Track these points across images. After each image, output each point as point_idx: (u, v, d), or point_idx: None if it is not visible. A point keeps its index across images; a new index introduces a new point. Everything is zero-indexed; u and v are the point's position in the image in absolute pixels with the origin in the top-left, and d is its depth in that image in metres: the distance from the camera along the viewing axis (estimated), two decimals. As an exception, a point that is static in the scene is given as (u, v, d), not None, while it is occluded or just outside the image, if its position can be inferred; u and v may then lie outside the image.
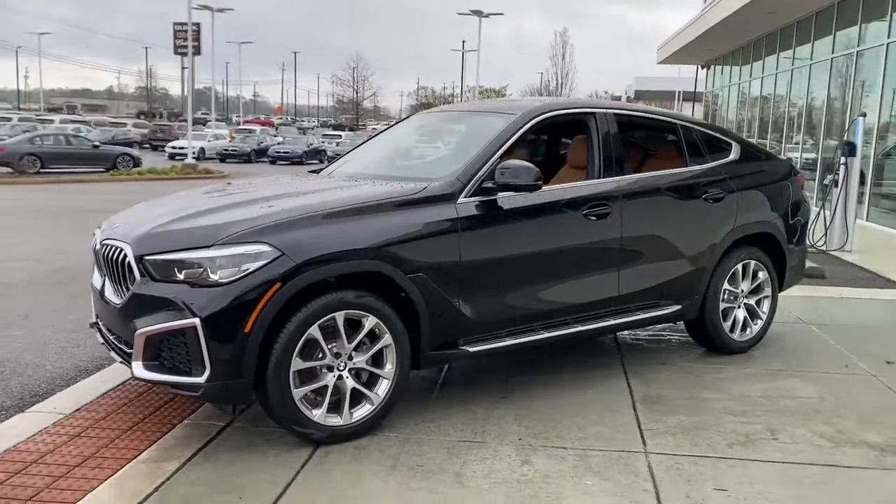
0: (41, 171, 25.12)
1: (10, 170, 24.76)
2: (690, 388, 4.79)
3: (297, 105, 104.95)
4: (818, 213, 10.92)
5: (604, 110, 4.96)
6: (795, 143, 19.10)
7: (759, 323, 5.62)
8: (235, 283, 3.55)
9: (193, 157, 33.09)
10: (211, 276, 3.57)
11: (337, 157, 7.57)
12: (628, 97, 69.97)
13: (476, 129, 4.77)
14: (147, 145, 43.32)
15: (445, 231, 4.09)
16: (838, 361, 5.46)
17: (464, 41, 45.76)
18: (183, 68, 74.53)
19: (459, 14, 41.94)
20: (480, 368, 5.14)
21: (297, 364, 3.68)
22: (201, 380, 3.56)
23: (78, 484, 3.39)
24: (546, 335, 4.58)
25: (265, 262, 3.59)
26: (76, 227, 11.95)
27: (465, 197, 4.22)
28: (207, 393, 3.62)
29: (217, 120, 70.68)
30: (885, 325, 6.79)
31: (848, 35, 15.92)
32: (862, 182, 11.64)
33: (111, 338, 4.08)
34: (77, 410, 4.25)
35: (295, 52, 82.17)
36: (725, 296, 5.44)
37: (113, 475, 3.49)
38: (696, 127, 5.45)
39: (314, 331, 3.71)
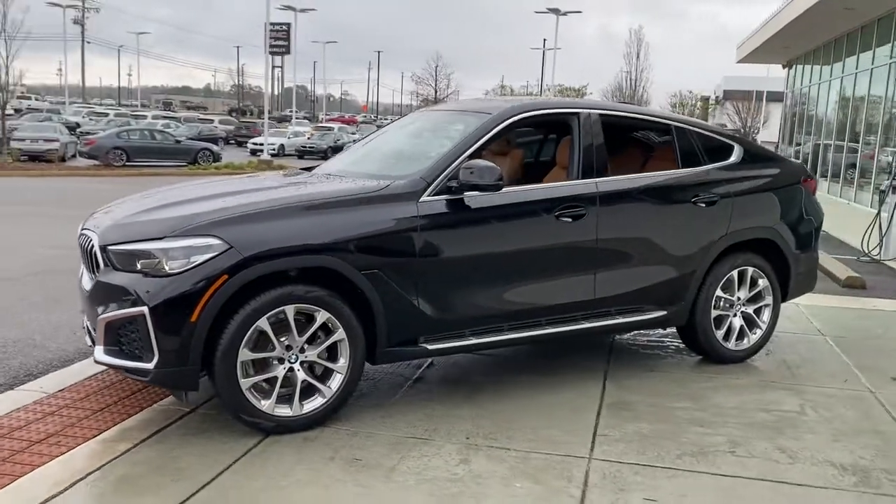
0: (126, 164, 26.37)
1: (98, 162, 26.11)
2: (665, 397, 4.68)
3: (380, 103, 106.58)
4: (874, 221, 10.39)
5: (588, 111, 4.89)
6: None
7: (758, 332, 5.42)
8: (184, 273, 3.70)
9: (272, 154, 34.14)
10: (164, 266, 3.72)
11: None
12: (716, 97, 67.90)
13: (453, 129, 4.79)
14: (232, 141, 44.85)
15: (404, 229, 4.14)
16: (840, 376, 5.22)
17: (545, 39, 45.42)
18: (273, 67, 76.97)
19: (536, 12, 41.70)
20: (460, 367, 5.16)
21: (244, 355, 3.80)
22: (150, 366, 3.73)
23: (31, 459, 3.61)
24: (514, 336, 4.56)
25: (214, 254, 3.72)
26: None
27: (429, 196, 4.24)
28: (156, 378, 3.78)
29: (304, 118, 72.55)
30: (912, 341, 6.44)
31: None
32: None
33: (87, 324, 4.30)
34: (60, 391, 4.50)
35: (378, 52, 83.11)
36: (721, 303, 5.28)
37: (66, 452, 3.69)
38: (692, 129, 5.30)
39: (263, 323, 3.82)
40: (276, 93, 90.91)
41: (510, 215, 4.49)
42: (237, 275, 3.73)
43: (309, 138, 41.28)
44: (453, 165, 4.32)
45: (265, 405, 3.89)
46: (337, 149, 39.50)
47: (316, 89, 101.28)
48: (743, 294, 5.34)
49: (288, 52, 62.85)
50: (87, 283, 4.14)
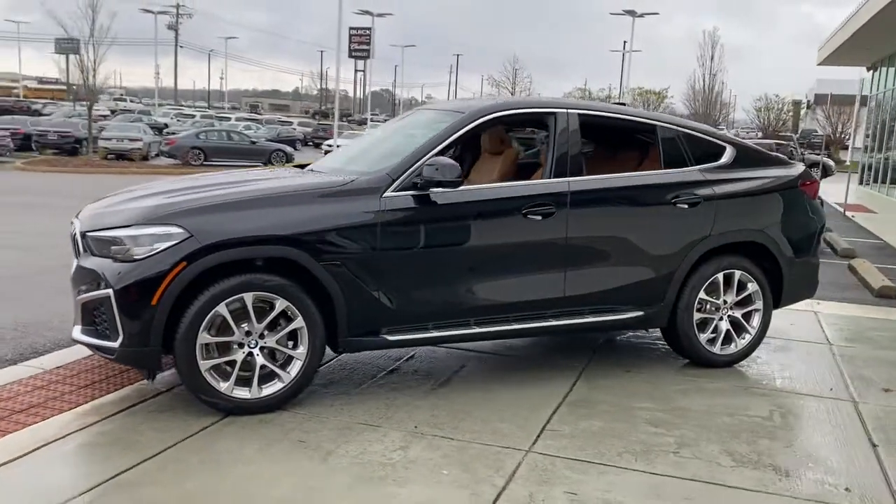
0: (204, 163, 27.48)
1: (177, 161, 27.32)
2: (632, 397, 4.66)
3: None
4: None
5: (566, 110, 4.92)
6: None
7: (747, 337, 5.32)
8: (147, 259, 3.95)
9: (344, 155, 34.84)
10: (131, 252, 3.99)
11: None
12: (807, 101, 65.44)
13: (430, 127, 4.90)
14: (310, 143, 46.04)
15: (365, 223, 4.28)
16: (828, 385, 5.07)
17: (624, 42, 44.60)
18: (356, 71, 78.41)
19: (612, 14, 41.18)
20: (437, 360, 5.27)
21: (203, 338, 4.03)
22: (115, 345, 4.00)
23: (7, 426, 3.93)
24: (479, 330, 4.65)
25: (175, 242, 3.96)
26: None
27: (394, 191, 4.38)
28: (120, 357, 4.06)
29: (385, 120, 73.62)
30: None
31: None
32: None
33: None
34: (56, 367, 4.84)
35: (457, 55, 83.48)
36: (707, 307, 5.21)
37: (40, 422, 4.00)
38: (679, 129, 5.24)
39: (222, 309, 4.04)
40: (359, 96, 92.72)
41: (476, 212, 4.58)
42: (195, 262, 3.96)
43: (382, 140, 41.83)
44: (420, 162, 4.44)
45: (223, 387, 4.10)
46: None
47: (396, 92, 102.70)
48: (730, 298, 5.25)
49: (369, 55, 64.00)
50: (73, 267, 4.46)
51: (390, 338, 4.43)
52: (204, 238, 3.98)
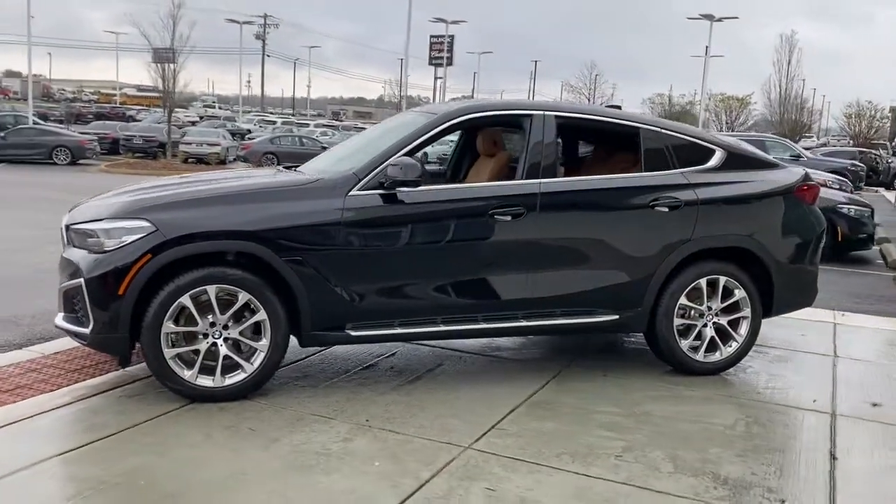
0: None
1: (251, 165, 28.29)
2: (597, 400, 4.62)
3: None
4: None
5: (542, 112, 4.92)
6: None
7: (734, 345, 5.18)
8: (115, 251, 4.19)
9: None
10: (103, 244, 4.24)
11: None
12: (892, 108, 62.50)
13: (407, 128, 4.98)
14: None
15: (328, 222, 4.41)
16: (812, 396, 4.89)
17: (707, 46, 43.45)
18: (436, 78, 79.37)
19: (689, 19, 40.18)
20: (416, 358, 5.34)
21: (168, 327, 4.23)
22: (87, 331, 4.25)
23: (-14, 403, 4.23)
24: (445, 329, 4.70)
25: (141, 235, 4.18)
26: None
27: (359, 190, 4.49)
28: (91, 342, 4.31)
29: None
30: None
31: None
32: None
33: None
34: (54, 353, 5.16)
35: (535, 61, 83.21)
36: (690, 313, 5.11)
37: (18, 401, 4.29)
38: (665, 132, 5.16)
39: (185, 300, 4.23)
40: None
41: (444, 211, 4.64)
42: (160, 254, 4.17)
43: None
44: (386, 163, 4.54)
45: (187, 374, 4.30)
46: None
47: (476, 98, 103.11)
48: (714, 304, 5.12)
49: (450, 63, 64.78)
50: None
51: (354, 333, 4.54)
52: (168, 232, 4.19)
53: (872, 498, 3.65)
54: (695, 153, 5.18)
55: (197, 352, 4.33)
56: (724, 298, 5.14)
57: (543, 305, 4.82)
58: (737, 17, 39.97)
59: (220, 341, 4.35)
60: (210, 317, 4.32)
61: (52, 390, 4.48)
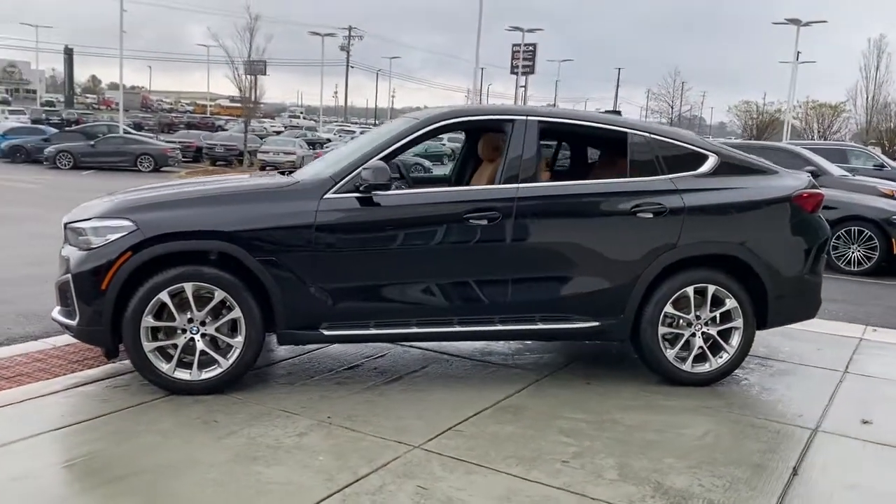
0: (348, 175, 28.99)
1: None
2: (567, 407, 4.58)
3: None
4: None
5: (524, 117, 4.93)
6: None
7: (725, 356, 5.03)
8: (99, 248, 4.44)
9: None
10: (90, 242, 4.50)
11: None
12: None
13: (388, 133, 5.07)
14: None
15: (302, 224, 4.54)
16: (800, 411, 4.70)
17: (798, 52, 41.92)
18: (518, 87, 79.30)
19: (774, 24, 38.78)
20: (403, 360, 5.41)
21: (147, 322, 4.44)
22: (75, 323, 4.51)
23: (-15, 389, 4.55)
24: (419, 331, 4.76)
25: (123, 233, 4.42)
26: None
27: (334, 193, 4.61)
28: (78, 335, 4.57)
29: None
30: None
31: None
32: None
33: None
34: (65, 345, 5.48)
35: (619, 69, 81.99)
36: (679, 322, 5.00)
37: (14, 388, 4.58)
38: (654, 137, 5.06)
39: (164, 296, 4.44)
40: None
41: (420, 215, 4.71)
42: (140, 252, 4.39)
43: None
44: (361, 167, 4.64)
45: (165, 368, 4.50)
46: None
47: (557, 106, 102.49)
48: (703, 313, 4.99)
49: (532, 71, 64.60)
50: (62, 255, 5.06)
51: (327, 333, 4.65)
52: (147, 231, 4.41)
53: (825, 516, 3.51)
54: (686, 159, 5.07)
55: (175, 346, 4.53)
56: (714, 308, 5.00)
57: (521, 310, 4.82)
58: (825, 21, 38.22)
59: (197, 337, 4.54)
60: (188, 313, 4.51)
61: (45, 379, 4.77)
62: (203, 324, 4.54)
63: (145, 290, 4.41)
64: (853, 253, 10.44)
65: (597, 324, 4.89)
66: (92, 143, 27.95)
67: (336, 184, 4.64)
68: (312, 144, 38.68)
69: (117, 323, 4.45)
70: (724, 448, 4.08)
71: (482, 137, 5.66)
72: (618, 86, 77.12)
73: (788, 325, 6.24)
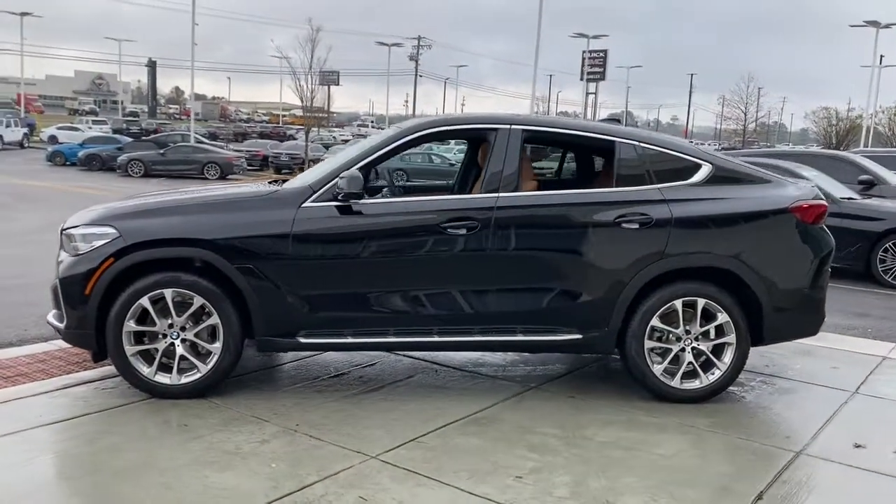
0: (407, 182, 29.27)
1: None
2: (541, 421, 4.48)
3: (697, 127, 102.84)
4: None
5: (507, 126, 4.87)
6: None
7: (717, 373, 4.84)
8: (85, 254, 4.59)
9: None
10: (77, 248, 4.66)
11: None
12: None
13: (372, 141, 5.08)
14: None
15: (279, 233, 4.58)
16: (787, 433, 4.48)
17: (881, 56, 40.23)
18: (587, 94, 78.60)
19: (851, 26, 37.22)
20: (392, 370, 5.40)
21: (129, 327, 4.57)
22: (63, 326, 4.68)
23: (-19, 388, 4.76)
24: (397, 340, 4.75)
25: (107, 240, 4.56)
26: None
27: (312, 202, 4.65)
28: (66, 338, 4.74)
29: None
30: None
31: None
32: None
33: None
34: (69, 347, 5.66)
35: (691, 74, 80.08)
36: (668, 337, 4.85)
37: (7, 387, 4.78)
38: (644, 146, 4.92)
39: (144, 301, 4.56)
40: (597, 119, 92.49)
41: (398, 224, 4.70)
42: (122, 258, 4.52)
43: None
44: (338, 176, 4.67)
45: (146, 371, 4.61)
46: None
47: (637, 114, 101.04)
48: (693, 328, 4.82)
49: (602, 78, 63.81)
50: (60, 260, 5.24)
51: (304, 341, 4.68)
52: (129, 238, 4.53)
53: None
54: (678, 168, 4.91)
55: (157, 350, 4.64)
56: (705, 322, 4.82)
57: (501, 321, 4.75)
58: (905, 23, 36.48)
59: (177, 342, 4.64)
60: (169, 319, 4.61)
61: (39, 379, 4.95)
62: (183, 329, 4.63)
63: (127, 295, 4.53)
64: (902, 266, 9.91)
65: (580, 336, 4.78)
66: (162, 151, 29.01)
67: (315, 192, 4.67)
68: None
69: (102, 327, 4.59)
70: (691, 469, 3.92)
71: (481, 146, 5.62)
72: (691, 92, 75.38)
73: (805, 342, 6.03)
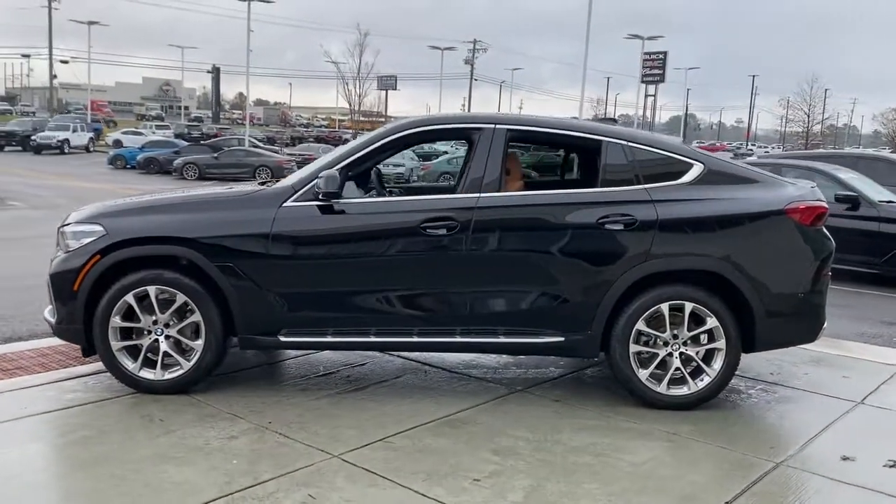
0: (454, 187, 29.32)
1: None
2: (515, 425, 4.40)
3: (761, 129, 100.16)
4: None
5: (492, 126, 4.81)
6: None
7: (706, 379, 4.68)
8: (74, 251, 4.71)
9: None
10: (68, 245, 4.78)
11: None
12: None
13: (357, 141, 5.07)
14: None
15: (259, 232, 4.62)
16: (771, 444, 4.30)
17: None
18: (647, 96, 77.47)
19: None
20: (381, 370, 5.39)
21: (115, 322, 4.67)
22: (54, 321, 4.81)
23: (-21, 380, 4.93)
24: (377, 340, 4.74)
25: (94, 238, 4.67)
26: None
27: (293, 201, 4.68)
28: (56, 333, 4.86)
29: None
30: None
31: None
32: None
33: None
34: (71, 344, 5.83)
35: (753, 76, 77.92)
36: (655, 341, 4.71)
37: (3, 379, 4.93)
38: (632, 145, 4.79)
39: (130, 298, 4.65)
40: (657, 121, 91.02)
41: (378, 224, 4.69)
42: (107, 255, 4.63)
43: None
44: (318, 175, 4.68)
45: (131, 367, 4.70)
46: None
47: (701, 117, 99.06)
48: (680, 332, 4.67)
49: (662, 80, 62.80)
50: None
51: (285, 339, 4.71)
52: (114, 235, 4.64)
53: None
54: (667, 168, 4.78)
55: (141, 346, 4.72)
56: (694, 327, 4.67)
57: (482, 323, 4.69)
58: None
59: (161, 338, 4.72)
60: (153, 315, 4.70)
61: (36, 372, 5.10)
62: (167, 326, 4.71)
63: (113, 291, 4.63)
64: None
65: (562, 339, 4.68)
66: (216, 155, 29.71)
67: (296, 192, 4.70)
68: (428, 157, 39.27)
69: (91, 322, 4.70)
70: (658, 477, 3.80)
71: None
72: (752, 94, 73.51)
73: (822, 349, 5.83)
